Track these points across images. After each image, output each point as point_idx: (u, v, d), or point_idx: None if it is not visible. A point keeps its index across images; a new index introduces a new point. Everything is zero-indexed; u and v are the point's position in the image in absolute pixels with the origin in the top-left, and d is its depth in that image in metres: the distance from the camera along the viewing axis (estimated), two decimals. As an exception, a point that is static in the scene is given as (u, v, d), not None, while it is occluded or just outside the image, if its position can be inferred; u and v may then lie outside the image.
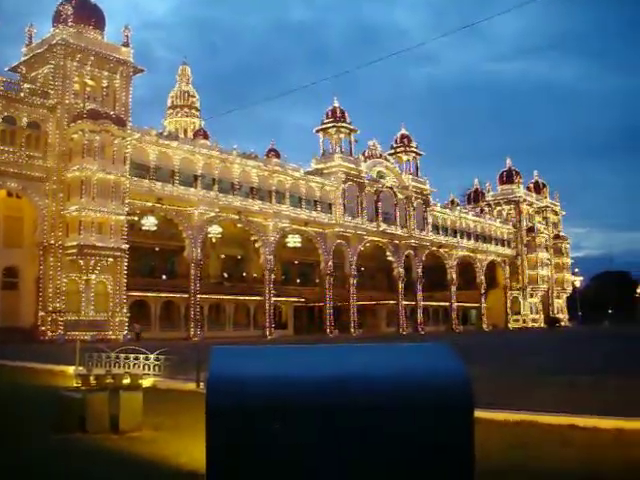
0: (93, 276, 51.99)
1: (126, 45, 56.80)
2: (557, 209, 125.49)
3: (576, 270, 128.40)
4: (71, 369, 21.39)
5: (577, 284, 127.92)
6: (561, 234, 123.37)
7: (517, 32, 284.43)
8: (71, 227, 51.37)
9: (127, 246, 53.88)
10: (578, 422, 11.35)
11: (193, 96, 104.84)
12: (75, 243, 50.61)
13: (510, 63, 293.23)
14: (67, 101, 52.58)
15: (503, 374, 14.46)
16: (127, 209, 54.03)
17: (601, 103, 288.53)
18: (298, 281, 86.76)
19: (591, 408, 11.81)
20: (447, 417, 4.76)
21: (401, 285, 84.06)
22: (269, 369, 4.85)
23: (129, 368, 19.95)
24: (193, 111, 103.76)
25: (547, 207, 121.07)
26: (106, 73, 54.87)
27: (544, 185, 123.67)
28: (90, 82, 54.30)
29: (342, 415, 4.64)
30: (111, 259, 52.73)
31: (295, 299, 78.46)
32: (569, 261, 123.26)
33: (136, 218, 58.48)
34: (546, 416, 11.85)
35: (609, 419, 11.30)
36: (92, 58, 53.80)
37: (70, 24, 53.20)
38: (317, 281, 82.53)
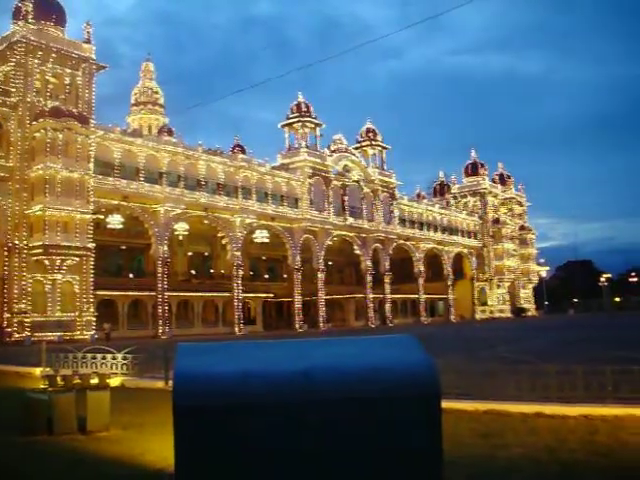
0: (59, 276, 51.42)
1: (88, 42, 56.11)
2: (522, 200, 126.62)
3: (542, 260, 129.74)
4: (38, 370, 21.20)
5: (543, 274, 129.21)
6: (526, 225, 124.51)
7: (480, 25, 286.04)
8: (35, 227, 50.73)
9: (93, 245, 53.36)
10: (545, 410, 11.50)
11: (157, 92, 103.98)
12: (40, 243, 49.99)
13: (474, 55, 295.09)
14: (29, 99, 51.87)
15: (471, 364, 14.56)
16: (92, 207, 53.50)
17: (564, 94, 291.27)
18: (266, 277, 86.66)
19: (558, 396, 11.96)
20: (414, 408, 4.79)
21: (369, 278, 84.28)
22: (235, 365, 4.85)
23: (97, 368, 19.83)
24: (157, 108, 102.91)
25: (512, 198, 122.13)
26: (68, 70, 54.17)
27: (509, 177, 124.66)
28: (52, 79, 53.62)
29: (310, 409, 4.65)
30: (77, 258, 52.19)
31: (263, 295, 78.34)
32: (535, 252, 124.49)
33: (102, 216, 57.97)
34: (514, 405, 11.99)
35: (575, 406, 11.45)
36: (54, 55, 53.11)
37: (30, 21, 52.47)
38: (285, 276, 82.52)
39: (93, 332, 52.34)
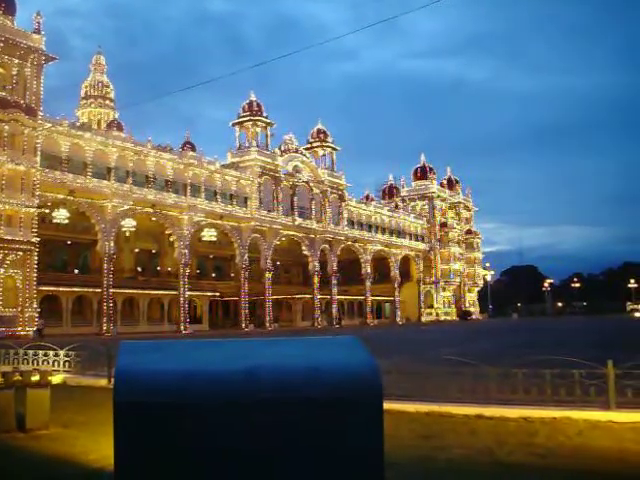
0: (1, 270, 50.45)
1: (38, 32, 55.10)
2: (469, 205, 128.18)
3: (487, 264, 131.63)
4: (-23, 367, 20.78)
5: (488, 278, 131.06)
6: (473, 229, 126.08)
7: (433, 31, 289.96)
8: (-22, 219, 49.80)
9: (37, 239, 52.52)
10: (485, 412, 11.67)
11: (107, 86, 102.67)
12: (-18, 236, 49.07)
13: (426, 61, 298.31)
14: (-26, 89, 50.89)
15: (414, 366, 14.70)
16: (38, 201, 52.65)
17: (511, 101, 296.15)
18: (213, 275, 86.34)
19: (498, 398, 12.14)
20: (356, 409, 4.84)
21: (316, 279, 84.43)
22: (179, 364, 4.85)
23: (38, 365, 19.52)
24: (107, 102, 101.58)
25: (460, 203, 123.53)
26: (16, 60, 53.12)
27: (457, 181, 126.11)
28: (-1, 69, 52.64)
29: (253, 409, 4.67)
30: (21, 253, 51.30)
31: (210, 293, 78.02)
32: (480, 256, 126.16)
33: (47, 211, 57.05)
34: (455, 407, 12.13)
35: (515, 408, 11.64)
36: (1, 45, 51.96)
37: (-22, 9, 51.49)
38: (232, 275, 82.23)
39: (35, 328, 51.50)
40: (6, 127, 49.85)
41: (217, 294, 78.97)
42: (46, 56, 55.32)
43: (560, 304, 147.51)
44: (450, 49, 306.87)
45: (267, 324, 74.87)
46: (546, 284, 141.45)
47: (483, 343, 36.35)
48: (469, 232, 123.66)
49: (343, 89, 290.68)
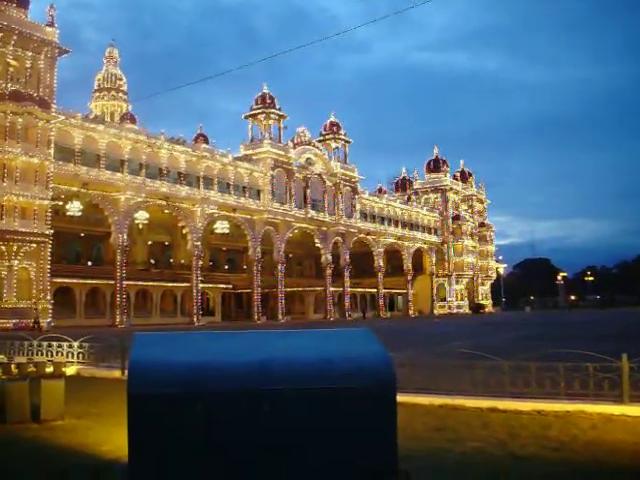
0: (16, 262, 50.66)
1: (51, 25, 55.13)
2: (482, 197, 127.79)
3: (500, 257, 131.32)
4: (-9, 358, 20.91)
5: (501, 271, 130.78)
6: (486, 222, 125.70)
7: (444, 23, 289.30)
8: (-8, 212, 49.99)
9: (51, 231, 52.69)
10: (498, 405, 11.66)
11: (120, 79, 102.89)
12: (-4, 228, 49.27)
13: (438, 53, 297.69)
14: (-12, 82, 51.03)
15: (426, 359, 14.70)
16: (51, 194, 52.79)
17: (524, 93, 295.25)
18: (226, 267, 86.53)
19: (511, 392, 12.13)
20: (370, 400, 4.84)
21: (329, 272, 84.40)
22: (191, 355, 4.86)
23: (52, 356, 19.63)
24: (120, 94, 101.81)
25: (473, 196, 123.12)
26: (30, 53, 53.18)
27: (470, 174, 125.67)
28: (13, 62, 52.61)
29: (266, 400, 4.67)
30: (35, 245, 51.48)
31: (223, 286, 78.14)
32: (493, 249, 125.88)
33: (61, 203, 57.22)
34: (468, 399, 12.13)
35: (528, 401, 11.63)
36: (15, 37, 52.07)
37: (-9, 2, 51.55)
38: (245, 267, 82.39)
39: (49, 319, 51.73)
40: (20, 120, 49.98)
41: (230, 286, 79.09)
42: (59, 49, 55.35)
43: (573, 297, 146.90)
44: (461, 41, 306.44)
45: (279, 316, 74.93)
46: (559, 277, 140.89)
47: (496, 336, 36.28)
48: (482, 225, 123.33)
49: (355, 81, 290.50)
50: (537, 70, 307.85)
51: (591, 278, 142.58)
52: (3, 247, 49.92)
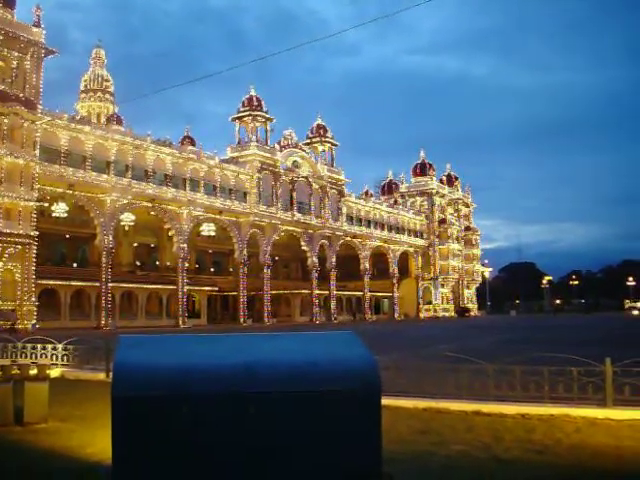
0: (0, 264, 50.42)
1: (37, 25, 54.92)
2: (468, 201, 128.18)
3: (485, 261, 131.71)
4: (-25, 359, 20.77)
5: (487, 275, 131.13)
6: (472, 226, 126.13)
7: (434, 26, 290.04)
8: (-23, 213, 49.74)
9: (36, 233, 52.49)
10: (483, 408, 11.69)
11: (107, 80, 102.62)
12: (-19, 229, 49.02)
13: (427, 56, 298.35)
14: (-27, 82, 50.80)
15: (411, 362, 14.73)
16: (37, 195, 52.59)
17: (510, 98, 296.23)
18: (212, 270, 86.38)
19: (496, 395, 12.16)
20: (355, 402, 4.86)
21: (315, 274, 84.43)
22: (177, 358, 4.86)
23: (36, 358, 19.52)
24: (107, 96, 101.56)
25: (459, 199, 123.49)
26: (16, 54, 52.97)
27: (456, 178, 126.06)
28: (-1, 63, 52.50)
29: (251, 402, 4.68)
30: (19, 246, 51.25)
31: (209, 288, 77.99)
32: (479, 252, 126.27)
33: (46, 204, 56.98)
34: (452, 403, 12.16)
35: (513, 405, 11.67)
36: (1, 38, 51.83)
37: (-23, 2, 51.35)
38: (231, 270, 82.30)
39: (34, 322, 51.47)
40: (5, 120, 49.78)
41: (216, 289, 78.95)
42: (46, 49, 55.18)
43: (558, 301, 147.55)
44: (451, 45, 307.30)
45: (265, 319, 74.89)
46: (544, 281, 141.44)
47: (481, 339, 36.38)
48: (468, 229, 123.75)
49: (343, 84, 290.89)
50: (531, 73, 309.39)
51: (576, 282, 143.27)
52: (-13, 248, 49.68)
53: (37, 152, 52.47)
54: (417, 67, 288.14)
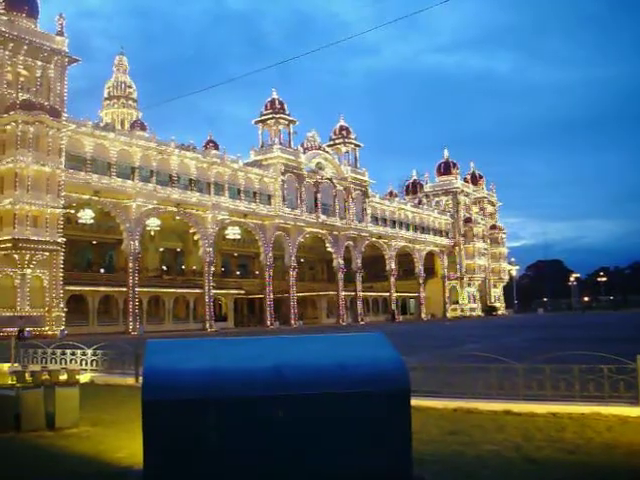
0: (28, 270, 50.90)
1: (61, 34, 55.51)
2: (493, 200, 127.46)
3: (512, 259, 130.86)
4: (6, 366, 21.00)
5: (513, 273, 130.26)
6: (497, 224, 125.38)
7: (455, 24, 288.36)
8: (5, 221, 50.16)
9: (63, 240, 52.89)
10: (513, 408, 11.62)
11: (130, 87, 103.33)
12: (9, 237, 49.42)
13: (449, 55, 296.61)
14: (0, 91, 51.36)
15: (440, 362, 14.65)
16: (63, 202, 53.00)
17: (535, 95, 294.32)
18: (238, 273, 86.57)
19: (526, 394, 12.08)
20: (384, 404, 4.83)
21: (341, 276, 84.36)
22: (205, 362, 4.86)
23: (66, 364, 19.69)
24: (130, 102, 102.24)
25: (484, 198, 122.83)
26: (40, 63, 53.57)
27: (481, 176, 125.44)
28: (23, 72, 53.02)
29: (280, 405, 4.67)
30: (47, 253, 51.69)
31: (235, 291, 78.18)
32: (505, 250, 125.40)
33: (72, 211, 57.44)
34: (482, 403, 12.09)
35: (543, 404, 11.58)
36: (25, 47, 52.47)
37: (2, 12, 51.80)
38: (257, 273, 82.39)
39: (62, 328, 51.89)
40: (31, 129, 50.21)
41: (242, 292, 79.11)
42: (69, 58, 55.70)
43: (586, 298, 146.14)
44: (472, 42, 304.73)
45: (292, 321, 74.97)
46: (572, 278, 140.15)
47: (509, 338, 36.18)
48: (493, 227, 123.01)
49: (365, 85, 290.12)
50: (552, 70, 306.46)
51: (604, 279, 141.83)
52: (16, 256, 50.15)
53: (63, 160, 52.88)
54: (438, 65, 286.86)
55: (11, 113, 50.00)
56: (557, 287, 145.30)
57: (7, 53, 51.87)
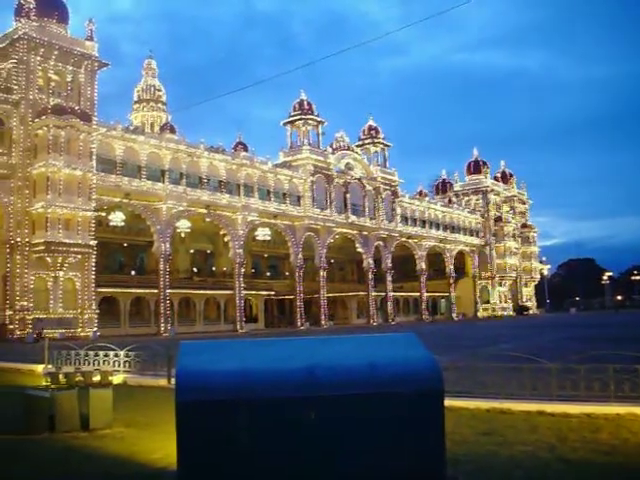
0: (61, 273, 51.48)
1: (90, 39, 56.10)
2: (524, 198, 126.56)
3: (543, 258, 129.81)
4: (40, 368, 21.21)
5: (545, 272, 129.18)
6: (528, 223, 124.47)
7: (483, 22, 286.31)
8: (37, 224, 50.76)
9: (95, 242, 53.40)
10: (546, 408, 11.51)
11: (159, 90, 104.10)
12: (42, 240, 50.00)
13: (477, 53, 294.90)
14: (31, 96, 51.89)
15: (472, 362, 14.57)
16: (94, 205, 53.50)
17: (567, 92, 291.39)
18: (268, 274, 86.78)
19: (559, 395, 11.96)
20: (418, 404, 4.80)
21: (371, 276, 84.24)
22: (238, 363, 4.86)
23: (99, 365, 19.84)
24: (160, 105, 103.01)
25: (514, 196, 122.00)
26: (70, 68, 54.16)
27: (511, 175, 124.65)
28: (54, 77, 53.62)
29: (313, 406, 4.66)
30: (79, 256, 52.22)
31: (265, 292, 78.40)
32: (536, 249, 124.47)
33: (104, 214, 58.04)
34: (515, 403, 11.99)
35: (577, 405, 11.45)
36: (56, 52, 53.09)
37: (33, 18, 52.41)
38: (287, 274, 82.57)
39: (95, 329, 52.36)
40: (62, 133, 50.74)
41: (272, 293, 79.33)
42: (99, 62, 56.24)
43: (620, 297, 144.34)
44: (500, 41, 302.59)
45: (322, 322, 75.03)
46: (605, 277, 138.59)
47: (542, 338, 35.88)
48: (524, 226, 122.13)
49: (393, 85, 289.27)
50: (582, 66, 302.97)
51: (638, 277, 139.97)
52: (49, 258, 50.72)
53: (94, 163, 53.39)
54: (467, 64, 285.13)
55: (43, 118, 50.58)
56: (589, 286, 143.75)
57: (38, 58, 52.50)
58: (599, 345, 17.51)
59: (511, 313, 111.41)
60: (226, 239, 68.35)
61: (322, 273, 77.02)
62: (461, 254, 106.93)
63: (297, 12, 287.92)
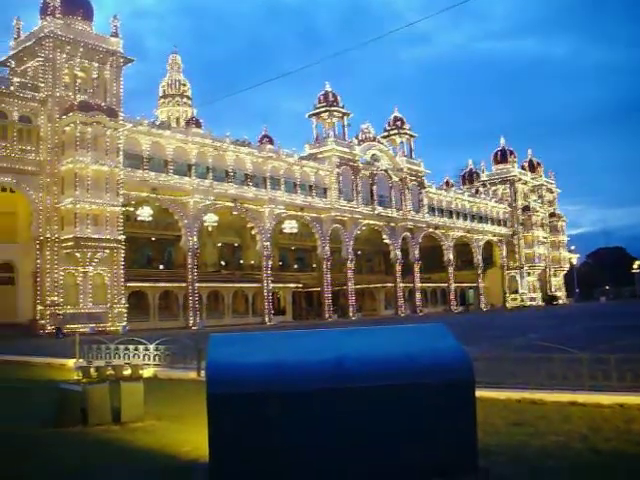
0: (90, 268, 51.90)
1: (115, 35, 56.38)
2: (552, 187, 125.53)
3: (572, 247, 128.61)
4: (71, 362, 21.44)
5: (574, 261, 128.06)
6: (557, 212, 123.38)
7: (508, 10, 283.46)
8: (66, 220, 51.20)
9: (123, 237, 53.75)
10: (578, 398, 11.42)
11: (184, 85, 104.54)
12: (71, 236, 50.44)
13: (502, 41, 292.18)
14: (58, 94, 52.26)
15: (502, 353, 14.50)
16: (122, 200, 53.81)
17: (593, 78, 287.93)
18: (295, 267, 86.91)
19: (591, 385, 11.86)
20: (448, 395, 4.79)
21: (398, 267, 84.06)
22: (268, 355, 4.88)
23: (129, 359, 20.01)
24: (185, 100, 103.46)
25: (542, 185, 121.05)
26: (96, 64, 54.50)
27: (538, 163, 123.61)
28: (80, 74, 53.98)
29: (344, 397, 4.66)
30: (108, 251, 52.61)
31: (293, 285, 78.49)
32: (565, 239, 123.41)
33: (131, 209, 58.39)
34: (546, 393, 11.92)
35: (610, 395, 11.36)
36: (81, 50, 53.44)
37: (58, 16, 52.76)
38: (314, 266, 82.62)
39: (124, 324, 52.76)
40: (89, 129, 51.08)
41: (300, 285, 79.39)
42: (124, 58, 56.53)
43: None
44: (525, 27, 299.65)
45: (350, 313, 75.05)
46: (635, 265, 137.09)
47: (571, 328, 35.63)
48: (553, 215, 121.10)
49: (418, 75, 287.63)
50: (612, 51, 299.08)
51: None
52: (78, 254, 51.16)
53: (121, 158, 53.69)
54: (492, 52, 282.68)
55: (70, 115, 50.98)
56: (619, 275, 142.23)
57: (64, 56, 52.85)
58: (630, 334, 17.35)
59: (540, 303, 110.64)
60: (253, 232, 68.49)
61: (349, 265, 76.96)
62: (489, 244, 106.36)
63: (319, 3, 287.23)
